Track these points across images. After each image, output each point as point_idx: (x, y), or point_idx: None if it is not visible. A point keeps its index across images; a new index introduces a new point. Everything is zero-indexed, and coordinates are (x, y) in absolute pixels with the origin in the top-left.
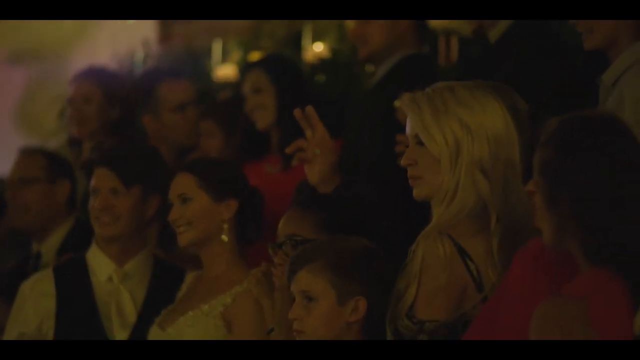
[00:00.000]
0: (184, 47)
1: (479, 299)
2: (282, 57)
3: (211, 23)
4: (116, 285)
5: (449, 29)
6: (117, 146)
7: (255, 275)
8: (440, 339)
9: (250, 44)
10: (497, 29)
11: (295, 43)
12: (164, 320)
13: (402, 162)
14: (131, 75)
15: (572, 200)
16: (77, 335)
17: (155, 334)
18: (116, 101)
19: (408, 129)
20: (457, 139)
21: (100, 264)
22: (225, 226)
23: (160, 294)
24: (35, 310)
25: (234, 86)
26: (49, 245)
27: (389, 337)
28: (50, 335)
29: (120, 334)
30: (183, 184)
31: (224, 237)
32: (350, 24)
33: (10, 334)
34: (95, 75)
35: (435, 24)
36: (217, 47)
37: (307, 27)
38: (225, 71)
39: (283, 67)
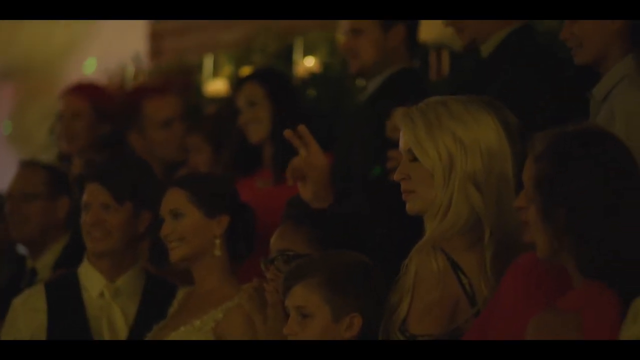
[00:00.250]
0: (175, 62)
1: (471, 313)
2: (277, 70)
3: (202, 38)
4: (107, 301)
5: (440, 43)
6: (109, 161)
7: (246, 291)
8: None
9: (241, 59)
10: (489, 43)
11: (287, 57)
12: (155, 336)
13: (396, 176)
14: (122, 90)
15: (568, 210)
16: None
17: None
18: (106, 116)
19: (401, 144)
20: (451, 154)
21: (91, 280)
22: (217, 242)
23: (152, 310)
24: (26, 326)
25: (226, 101)
26: (45, 262)
27: None
28: None
29: None
30: (175, 199)
31: (217, 253)
32: (341, 38)
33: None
34: (84, 91)
35: (426, 37)
36: (208, 62)
37: (298, 41)
38: (216, 86)
39: (278, 81)
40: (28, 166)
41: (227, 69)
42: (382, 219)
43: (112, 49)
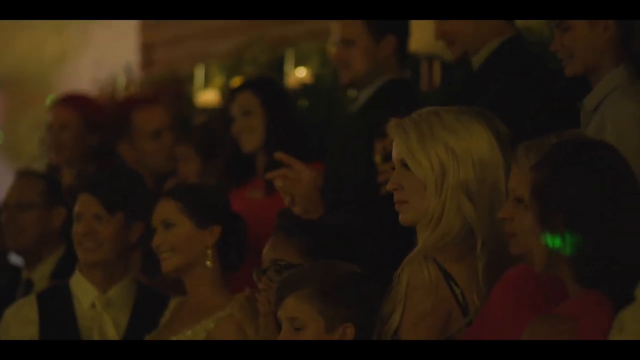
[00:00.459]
0: (166, 73)
1: (464, 323)
2: (271, 80)
3: (193, 48)
4: (99, 312)
5: (431, 54)
6: (100, 172)
7: (238, 301)
8: None
9: (233, 70)
10: (480, 54)
11: (278, 68)
12: None
13: (388, 186)
14: (113, 101)
15: (565, 216)
16: None
17: None
18: (95, 127)
19: (394, 154)
20: (443, 164)
21: (83, 290)
22: (209, 252)
23: (144, 320)
24: (18, 337)
25: (219, 112)
26: (41, 273)
27: None
28: None
29: None
30: (166, 209)
31: (208, 263)
32: (332, 48)
33: None
34: (73, 102)
35: (417, 48)
36: (199, 73)
37: (290, 52)
38: (208, 96)
39: (273, 90)
40: (24, 176)
41: (219, 79)
42: (373, 229)
43: (104, 60)
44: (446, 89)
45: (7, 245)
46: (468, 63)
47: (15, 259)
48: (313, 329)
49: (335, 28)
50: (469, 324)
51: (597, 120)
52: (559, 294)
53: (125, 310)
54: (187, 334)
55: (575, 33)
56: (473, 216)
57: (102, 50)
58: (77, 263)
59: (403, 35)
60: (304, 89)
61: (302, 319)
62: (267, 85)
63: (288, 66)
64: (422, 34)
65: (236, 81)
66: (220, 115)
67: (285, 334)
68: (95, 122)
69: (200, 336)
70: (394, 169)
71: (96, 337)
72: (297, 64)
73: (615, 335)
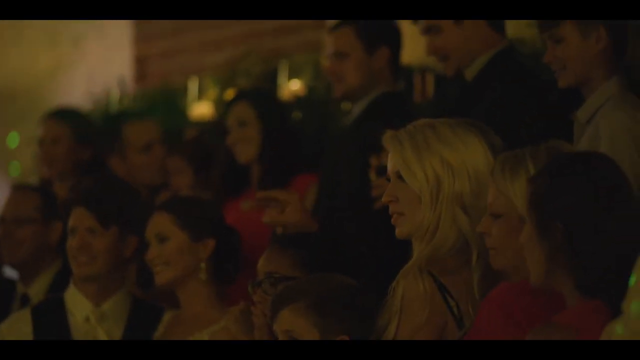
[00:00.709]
0: (160, 85)
1: (459, 336)
2: (267, 91)
3: (187, 61)
4: (93, 325)
5: (424, 66)
6: (94, 185)
7: (233, 313)
8: None
9: (227, 82)
10: (473, 66)
11: (272, 80)
12: None
13: (384, 198)
14: (106, 114)
15: (564, 226)
16: None
17: None
18: (86, 141)
19: (389, 166)
20: (438, 176)
21: (77, 304)
22: (203, 265)
23: (138, 334)
24: None
25: (213, 124)
26: (37, 289)
27: None
28: None
29: None
30: (160, 223)
31: (202, 276)
32: (325, 61)
33: None
34: (64, 116)
35: (410, 60)
36: (192, 85)
37: (283, 64)
38: (201, 109)
39: (269, 102)
40: (21, 190)
41: (212, 92)
42: (367, 236)
43: (97, 73)
44: (440, 101)
45: (2, 259)
46: (461, 75)
47: (9, 272)
48: None
49: (328, 41)
50: (464, 335)
51: (590, 132)
52: (553, 309)
53: (119, 324)
54: None
55: (567, 44)
56: (468, 228)
57: (95, 63)
58: (72, 277)
59: (396, 47)
60: (298, 101)
61: (298, 331)
62: (263, 97)
63: (281, 78)
64: (414, 46)
65: (230, 93)
66: (213, 127)
67: None
68: (86, 136)
69: None
70: (389, 180)
71: None
72: (291, 76)
73: None
